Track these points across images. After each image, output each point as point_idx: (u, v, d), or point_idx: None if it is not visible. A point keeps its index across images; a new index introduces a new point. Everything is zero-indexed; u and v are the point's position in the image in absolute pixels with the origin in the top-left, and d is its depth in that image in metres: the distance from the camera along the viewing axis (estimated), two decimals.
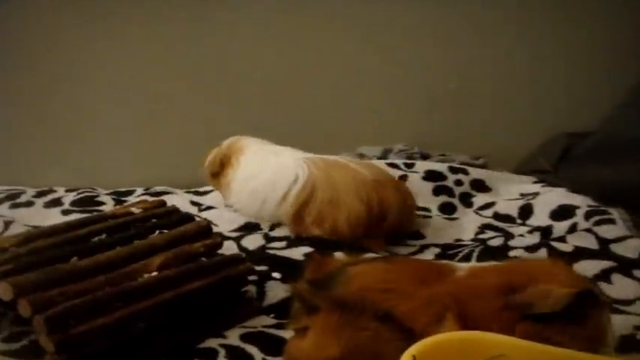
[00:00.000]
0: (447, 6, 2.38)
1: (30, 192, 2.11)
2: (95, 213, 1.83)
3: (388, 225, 1.77)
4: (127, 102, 2.39)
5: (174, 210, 1.51)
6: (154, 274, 1.29)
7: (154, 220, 1.45)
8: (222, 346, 1.31)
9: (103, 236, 1.37)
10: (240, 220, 1.90)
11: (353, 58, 2.42)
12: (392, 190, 1.80)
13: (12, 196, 2.07)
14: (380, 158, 2.24)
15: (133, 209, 1.48)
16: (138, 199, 1.96)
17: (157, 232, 1.42)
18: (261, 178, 1.87)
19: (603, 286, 1.50)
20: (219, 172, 1.97)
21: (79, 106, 2.40)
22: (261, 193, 1.86)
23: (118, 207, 1.55)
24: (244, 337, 1.34)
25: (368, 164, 1.92)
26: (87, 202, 2.03)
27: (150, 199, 1.63)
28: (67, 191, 2.11)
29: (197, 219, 1.53)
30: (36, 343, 1.28)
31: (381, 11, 2.38)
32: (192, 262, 1.36)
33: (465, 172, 2.13)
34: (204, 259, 1.41)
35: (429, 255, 1.73)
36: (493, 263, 1.35)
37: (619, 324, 1.27)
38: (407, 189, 1.89)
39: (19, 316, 1.34)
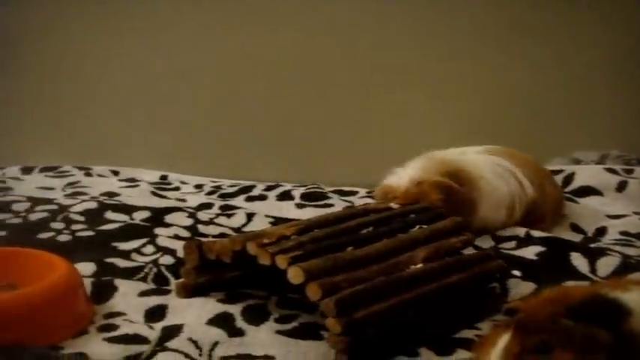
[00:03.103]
0: None
1: (260, 186, 2.25)
2: (346, 207, 1.99)
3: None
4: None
5: (429, 207, 1.58)
6: (420, 266, 1.37)
7: (413, 216, 1.53)
8: (478, 336, 1.37)
9: (370, 229, 1.45)
10: None
11: (567, 64, 2.44)
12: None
13: (245, 189, 2.22)
14: (597, 164, 2.26)
15: (392, 205, 1.57)
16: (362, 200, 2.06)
17: (417, 227, 1.50)
18: (505, 187, 1.86)
19: None
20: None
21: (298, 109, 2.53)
22: (507, 201, 1.86)
23: (377, 202, 1.64)
24: None
25: None
26: (317, 198, 2.14)
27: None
28: (294, 186, 2.23)
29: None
30: (306, 325, 1.39)
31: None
32: (451, 256, 1.43)
33: None
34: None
35: None
36: None
37: None
38: None
39: (283, 299, 1.45)
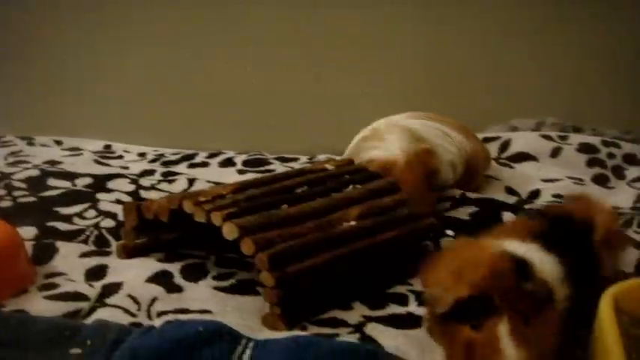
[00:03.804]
0: None
1: (202, 154, 2.27)
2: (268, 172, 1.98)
3: None
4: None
5: (363, 168, 1.62)
6: (353, 223, 1.41)
7: (347, 176, 1.57)
8: (411, 291, 1.42)
9: (305, 188, 1.49)
10: None
11: (504, 32, 2.48)
12: None
13: (187, 157, 2.24)
14: (533, 131, 2.32)
15: (327, 166, 1.60)
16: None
17: (351, 186, 1.53)
18: (450, 148, 1.87)
19: None
20: None
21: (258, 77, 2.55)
22: (452, 160, 1.87)
23: (314, 163, 1.67)
24: None
25: None
26: (258, 164, 2.17)
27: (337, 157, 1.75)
28: (236, 154, 2.26)
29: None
30: (243, 282, 1.43)
31: None
32: (384, 215, 1.47)
33: (617, 146, 2.20)
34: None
35: None
36: None
37: None
38: None
39: (221, 259, 1.49)
